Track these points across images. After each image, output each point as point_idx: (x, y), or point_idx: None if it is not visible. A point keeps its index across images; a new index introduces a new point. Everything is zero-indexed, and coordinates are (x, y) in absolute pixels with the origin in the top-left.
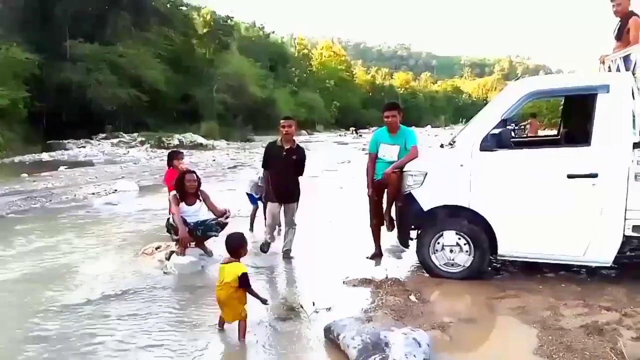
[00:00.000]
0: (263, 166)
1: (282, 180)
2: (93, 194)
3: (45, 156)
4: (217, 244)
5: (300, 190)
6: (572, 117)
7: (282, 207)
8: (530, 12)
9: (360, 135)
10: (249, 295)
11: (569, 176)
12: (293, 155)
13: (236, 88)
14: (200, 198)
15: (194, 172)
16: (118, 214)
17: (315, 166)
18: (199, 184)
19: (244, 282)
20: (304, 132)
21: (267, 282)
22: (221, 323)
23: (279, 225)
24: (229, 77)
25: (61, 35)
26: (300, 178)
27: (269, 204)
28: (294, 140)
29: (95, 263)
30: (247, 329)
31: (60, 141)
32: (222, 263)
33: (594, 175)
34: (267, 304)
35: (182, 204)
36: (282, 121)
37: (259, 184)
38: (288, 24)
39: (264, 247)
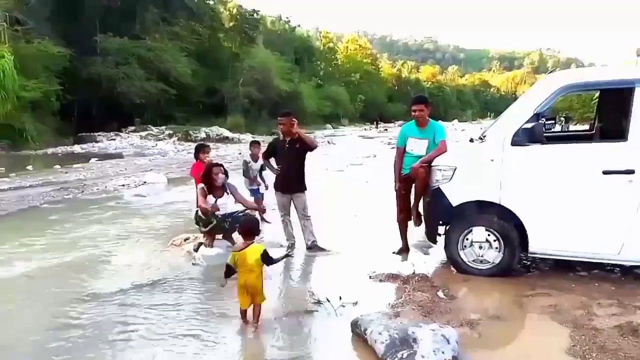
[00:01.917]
0: (265, 155)
1: (287, 172)
2: (123, 185)
3: (76, 148)
4: None
5: (305, 181)
6: (608, 112)
7: (292, 200)
8: (561, 3)
9: (386, 129)
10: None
11: (605, 172)
12: (296, 144)
13: (261, 82)
14: (228, 191)
15: (221, 165)
16: (147, 205)
17: (341, 160)
18: (227, 176)
19: (268, 258)
20: (328, 125)
21: (293, 275)
22: (244, 314)
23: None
24: (254, 70)
25: (91, 29)
26: (316, 147)
27: (277, 195)
28: (293, 131)
29: (126, 253)
30: (274, 323)
31: (91, 134)
32: (238, 250)
33: (631, 172)
34: (291, 255)
35: (210, 197)
36: (278, 118)
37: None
38: (314, 17)
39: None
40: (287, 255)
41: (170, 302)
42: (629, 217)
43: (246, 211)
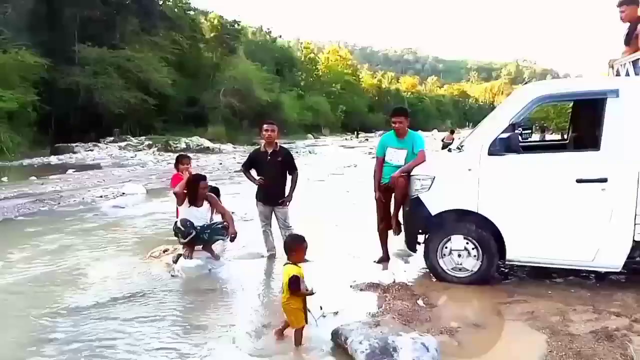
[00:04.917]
0: (244, 167)
1: (270, 184)
2: (101, 197)
3: (53, 159)
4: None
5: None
6: (581, 122)
7: (273, 211)
8: (537, 16)
9: (366, 139)
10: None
11: (578, 181)
12: (278, 157)
13: (243, 92)
14: (209, 202)
15: (205, 177)
16: (125, 217)
17: (322, 170)
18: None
19: (293, 284)
20: (309, 135)
21: (274, 285)
22: (280, 330)
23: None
24: (235, 81)
25: (70, 39)
26: (298, 176)
27: (259, 205)
28: (276, 143)
29: (103, 266)
30: (254, 334)
31: (69, 144)
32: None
33: (604, 180)
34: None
35: (191, 207)
36: (264, 125)
37: None
38: (295, 28)
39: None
40: (311, 293)
41: (149, 315)
42: (602, 224)
43: (224, 223)
